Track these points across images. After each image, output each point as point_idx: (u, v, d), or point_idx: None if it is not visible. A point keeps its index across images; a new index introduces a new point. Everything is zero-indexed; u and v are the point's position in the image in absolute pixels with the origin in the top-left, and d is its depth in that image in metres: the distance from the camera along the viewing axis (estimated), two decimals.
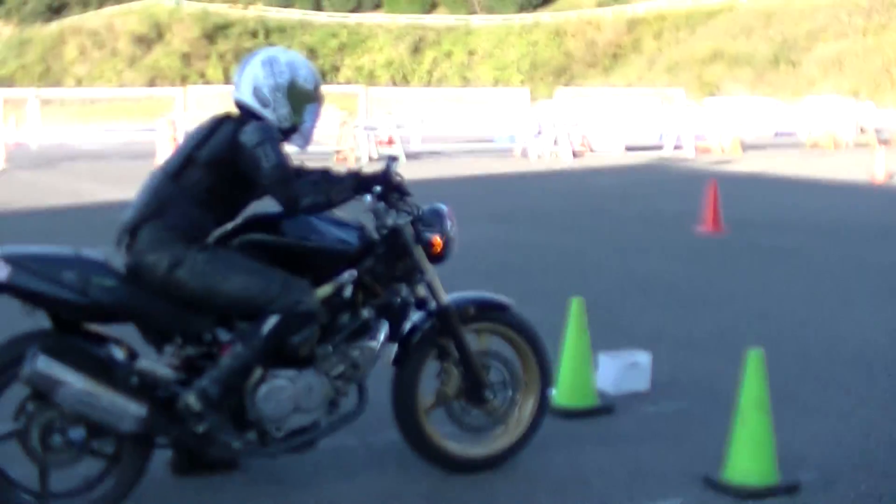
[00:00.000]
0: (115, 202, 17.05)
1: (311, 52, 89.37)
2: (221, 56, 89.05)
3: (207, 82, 79.56)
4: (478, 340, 5.48)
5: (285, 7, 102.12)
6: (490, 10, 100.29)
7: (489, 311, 5.53)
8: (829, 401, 6.59)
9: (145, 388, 4.72)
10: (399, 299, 5.21)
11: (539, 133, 30.98)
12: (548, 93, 68.28)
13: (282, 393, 4.82)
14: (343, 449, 5.60)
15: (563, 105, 35.98)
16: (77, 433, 4.66)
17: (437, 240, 5.24)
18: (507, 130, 33.12)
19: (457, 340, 5.31)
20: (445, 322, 5.29)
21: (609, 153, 31.32)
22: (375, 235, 5.15)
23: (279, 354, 4.84)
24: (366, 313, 5.08)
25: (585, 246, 13.04)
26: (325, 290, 4.94)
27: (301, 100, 5.01)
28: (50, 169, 26.88)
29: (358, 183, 5.01)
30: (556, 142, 30.16)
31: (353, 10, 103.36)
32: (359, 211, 5.05)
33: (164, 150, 27.12)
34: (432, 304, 5.28)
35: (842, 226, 15.34)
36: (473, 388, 5.36)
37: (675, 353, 7.65)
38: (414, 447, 5.37)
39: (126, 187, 20.62)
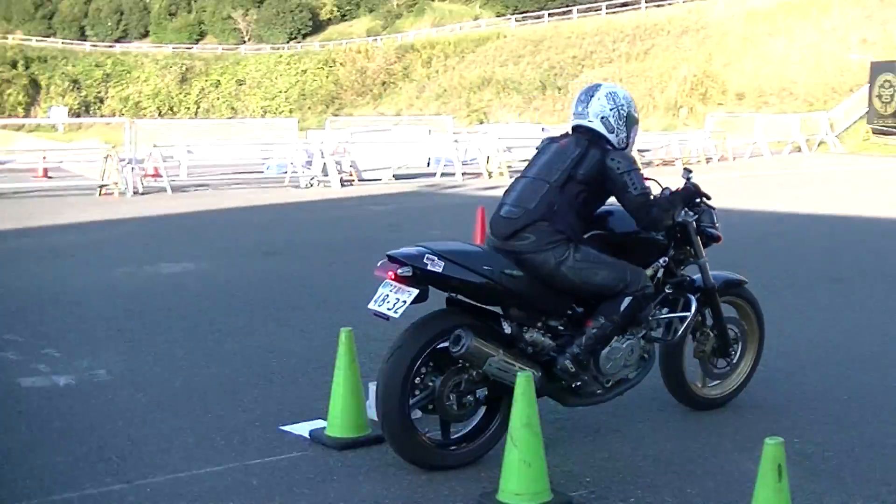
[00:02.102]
0: None
1: (75, 83, 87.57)
2: None
3: None
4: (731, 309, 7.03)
5: (47, 36, 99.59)
6: (259, 39, 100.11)
7: (734, 287, 7.00)
8: (602, 419, 6.71)
9: (535, 355, 5.88)
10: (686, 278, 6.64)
11: (308, 163, 30.80)
12: (318, 122, 68.48)
13: (618, 353, 6.08)
14: None
15: (332, 134, 35.95)
16: (481, 392, 5.82)
17: (719, 234, 6.77)
18: (277, 161, 32.83)
19: (714, 310, 6.80)
20: (709, 296, 6.73)
21: (378, 181, 31.34)
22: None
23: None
24: (667, 290, 6.49)
25: (357, 276, 12.93)
26: (648, 272, 6.27)
27: (630, 125, 6.28)
28: None
29: (685, 201, 6.49)
30: (324, 171, 30.01)
31: (119, 40, 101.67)
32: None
33: None
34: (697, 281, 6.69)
35: None
36: (722, 346, 6.88)
37: None
38: (676, 396, 6.93)
39: None
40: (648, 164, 37.89)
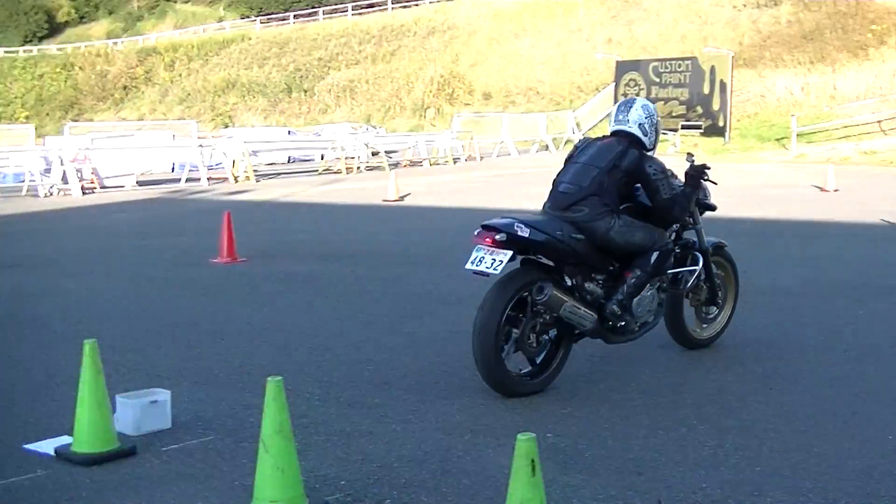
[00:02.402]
0: None
1: None
2: None
3: None
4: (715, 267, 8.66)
5: None
6: None
7: (719, 248, 8.67)
8: (354, 421, 6.69)
9: (591, 302, 7.44)
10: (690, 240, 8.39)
11: (47, 170, 29.74)
12: (56, 128, 66.47)
13: (646, 300, 7.67)
14: None
15: (72, 140, 34.91)
16: (552, 332, 7.37)
17: (714, 205, 8.68)
18: (13, 169, 31.58)
19: (707, 267, 8.44)
20: (704, 256, 8.37)
21: (122, 188, 30.56)
22: None
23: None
24: (676, 248, 8.13)
25: (102, 287, 12.61)
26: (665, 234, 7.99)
27: (658, 131, 7.96)
28: None
29: (695, 189, 8.07)
30: (65, 179, 29.05)
31: None
32: None
33: None
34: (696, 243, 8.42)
35: (358, 248, 15.74)
36: (711, 296, 8.68)
37: (196, 389, 7.52)
38: (676, 339, 8.64)
39: None
40: (396, 164, 38.18)
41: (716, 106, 46.37)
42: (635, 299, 7.54)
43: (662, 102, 48.89)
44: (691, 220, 8.32)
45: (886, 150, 37.91)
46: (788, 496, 5.34)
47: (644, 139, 7.79)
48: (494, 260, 7.05)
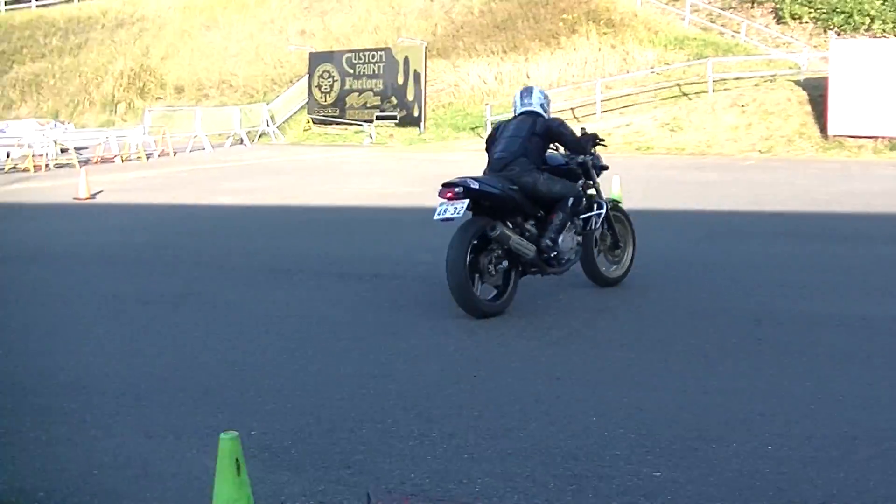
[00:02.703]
0: None
1: None
2: None
3: None
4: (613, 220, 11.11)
5: None
6: None
7: (616, 205, 11.19)
8: (50, 429, 6.45)
9: (529, 238, 9.79)
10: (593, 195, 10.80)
11: None
12: None
13: (568, 239, 10.12)
14: None
15: None
16: (505, 263, 9.61)
17: (606, 165, 11.05)
18: None
19: (608, 218, 10.90)
20: (606, 205, 10.81)
21: None
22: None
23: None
24: (584, 200, 10.44)
25: None
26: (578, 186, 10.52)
27: (549, 107, 10.61)
28: None
29: (590, 142, 10.57)
30: None
31: None
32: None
33: None
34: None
35: (47, 250, 15.21)
36: (614, 242, 11.11)
37: None
38: (592, 279, 10.89)
39: None
40: (87, 161, 37.10)
41: (410, 96, 46.99)
42: (560, 236, 9.95)
43: (357, 94, 49.27)
44: (591, 181, 10.74)
45: None
46: (497, 482, 5.45)
47: (544, 114, 10.42)
48: (456, 208, 9.24)
